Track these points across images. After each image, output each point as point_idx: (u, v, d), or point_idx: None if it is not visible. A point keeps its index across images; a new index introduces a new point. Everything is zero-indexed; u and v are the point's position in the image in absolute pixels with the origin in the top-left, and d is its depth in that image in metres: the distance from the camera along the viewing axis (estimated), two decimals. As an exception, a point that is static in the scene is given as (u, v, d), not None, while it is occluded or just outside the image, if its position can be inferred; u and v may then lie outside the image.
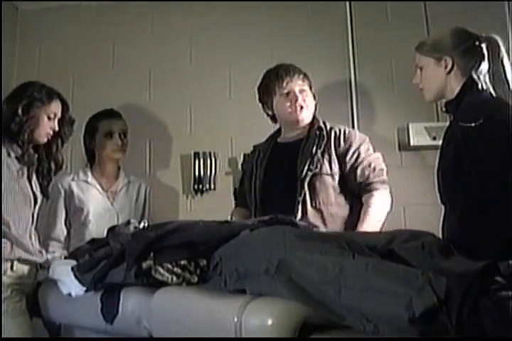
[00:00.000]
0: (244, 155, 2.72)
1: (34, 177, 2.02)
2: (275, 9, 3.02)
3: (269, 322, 1.13)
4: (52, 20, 3.18)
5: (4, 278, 1.82)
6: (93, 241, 1.88)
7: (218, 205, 2.50)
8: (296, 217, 2.03)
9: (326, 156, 2.15)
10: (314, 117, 2.27)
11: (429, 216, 2.47)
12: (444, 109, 1.74)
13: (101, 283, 1.59)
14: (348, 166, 2.15)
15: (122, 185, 2.57)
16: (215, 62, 3.03)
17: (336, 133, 2.20)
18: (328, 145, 2.17)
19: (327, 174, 2.13)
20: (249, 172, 2.31)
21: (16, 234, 1.88)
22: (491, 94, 1.62)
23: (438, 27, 2.71)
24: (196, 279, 1.44)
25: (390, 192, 2.18)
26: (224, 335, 1.20)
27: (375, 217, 2.09)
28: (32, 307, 1.86)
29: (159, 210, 2.69)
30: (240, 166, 2.80)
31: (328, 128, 2.22)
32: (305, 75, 2.25)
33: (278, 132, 2.36)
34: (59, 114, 2.04)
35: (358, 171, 2.14)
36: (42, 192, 2.05)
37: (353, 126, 2.80)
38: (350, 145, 2.17)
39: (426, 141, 2.73)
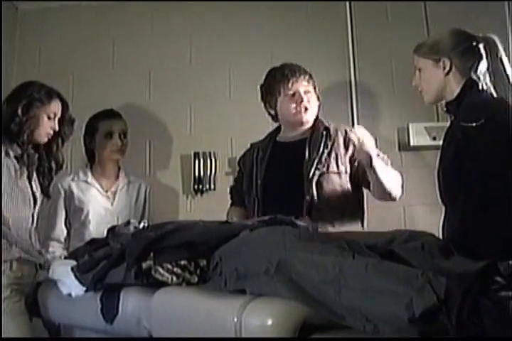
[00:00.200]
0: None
1: (34, 177, 2.02)
2: (275, 9, 3.02)
3: (269, 322, 1.13)
4: (52, 20, 3.18)
5: (4, 278, 1.82)
6: (93, 241, 1.87)
7: (218, 205, 2.49)
8: (303, 216, 2.00)
9: (333, 155, 2.14)
10: (317, 118, 2.26)
11: (429, 216, 2.50)
12: (444, 109, 1.74)
13: (101, 283, 1.59)
14: (357, 162, 2.13)
15: (122, 185, 2.57)
16: (215, 62, 3.02)
17: (342, 133, 2.19)
18: (336, 145, 2.16)
19: (334, 173, 2.12)
20: (249, 172, 2.27)
21: (15, 234, 1.88)
22: (491, 94, 1.62)
23: (438, 27, 2.71)
24: (196, 279, 1.44)
25: None
26: (224, 335, 1.20)
27: (388, 170, 2.08)
28: (31, 308, 1.86)
29: (159, 210, 2.69)
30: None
31: (333, 128, 2.21)
32: (310, 76, 2.22)
33: (277, 130, 2.33)
34: (59, 114, 2.04)
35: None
36: (43, 191, 2.05)
37: (353, 126, 2.79)
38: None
39: (426, 141, 2.73)
